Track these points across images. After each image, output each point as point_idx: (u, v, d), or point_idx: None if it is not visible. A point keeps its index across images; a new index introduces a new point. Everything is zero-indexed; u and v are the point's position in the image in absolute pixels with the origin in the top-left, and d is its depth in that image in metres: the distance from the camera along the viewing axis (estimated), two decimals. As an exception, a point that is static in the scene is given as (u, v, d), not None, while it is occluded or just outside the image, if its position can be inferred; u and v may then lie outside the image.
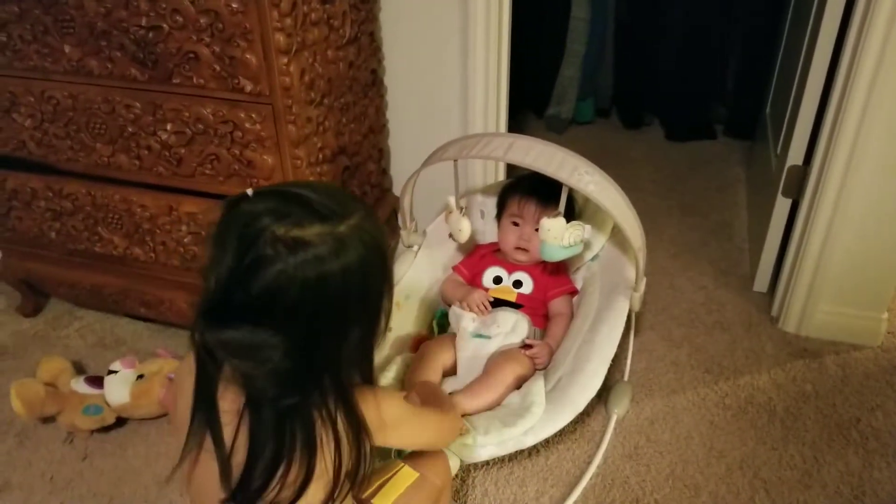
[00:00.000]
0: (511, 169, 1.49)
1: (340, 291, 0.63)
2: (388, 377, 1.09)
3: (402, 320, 1.22)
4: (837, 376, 1.32)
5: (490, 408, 1.05)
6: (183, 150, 1.16)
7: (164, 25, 1.04)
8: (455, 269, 1.31)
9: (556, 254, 1.08)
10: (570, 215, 1.14)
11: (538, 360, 1.13)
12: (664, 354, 1.37)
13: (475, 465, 1.13)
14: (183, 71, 1.07)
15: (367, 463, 0.69)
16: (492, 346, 1.14)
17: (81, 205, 1.29)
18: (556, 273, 1.26)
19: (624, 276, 1.18)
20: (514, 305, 1.21)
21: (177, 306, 1.34)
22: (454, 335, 1.18)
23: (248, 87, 1.06)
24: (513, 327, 1.16)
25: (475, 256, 1.32)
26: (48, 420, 1.21)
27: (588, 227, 1.09)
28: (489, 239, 1.37)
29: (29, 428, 1.22)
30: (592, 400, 1.00)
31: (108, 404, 1.17)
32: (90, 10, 1.07)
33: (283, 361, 0.61)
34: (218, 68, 1.05)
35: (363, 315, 0.67)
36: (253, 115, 1.08)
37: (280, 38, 1.01)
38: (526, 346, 1.15)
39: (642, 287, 1.14)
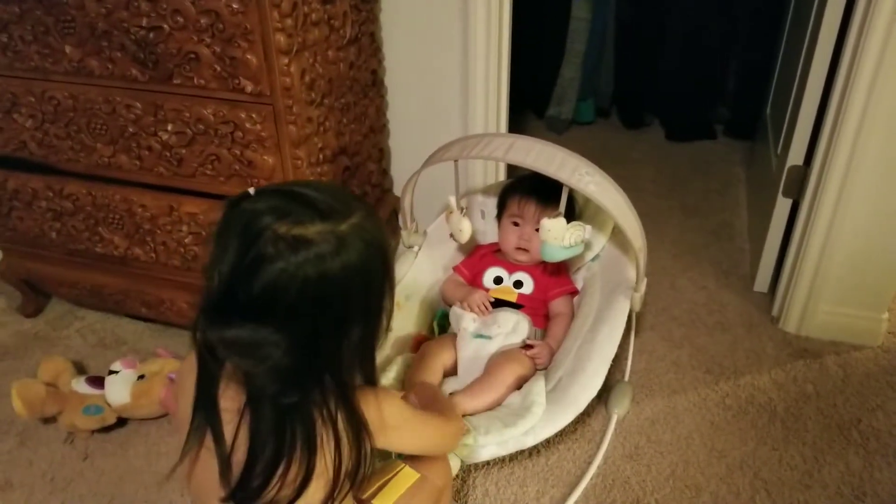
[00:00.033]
0: (511, 169, 1.49)
1: (341, 290, 0.63)
2: (388, 377, 1.09)
3: (403, 320, 1.22)
4: (838, 376, 1.32)
5: (490, 408, 1.05)
6: (183, 151, 1.16)
7: (165, 26, 1.04)
8: (455, 269, 1.31)
9: (556, 254, 1.08)
10: (571, 216, 1.14)
11: (539, 360, 1.13)
12: (665, 355, 1.37)
13: (476, 466, 1.13)
14: (184, 71, 1.07)
15: (367, 463, 0.69)
16: (492, 347, 1.14)
17: (82, 205, 1.29)
18: (557, 273, 1.26)
19: (624, 276, 1.18)
20: (515, 306, 1.21)
21: (177, 306, 1.34)
22: (455, 335, 1.18)
23: (249, 88, 1.06)
24: (513, 327, 1.16)
25: (475, 257, 1.32)
26: (49, 420, 1.21)
27: (588, 227, 1.09)
28: (490, 239, 1.37)
29: (30, 428, 1.23)
30: (593, 400, 1.00)
31: (108, 404, 1.17)
32: (91, 11, 1.07)
33: (283, 359, 0.62)
34: (218, 69, 1.05)
35: (364, 314, 0.67)
36: (253, 116, 1.09)
37: (281, 38, 1.02)
38: (526, 347, 1.15)
39: (643, 287, 1.14)
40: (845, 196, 1.26)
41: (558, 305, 1.24)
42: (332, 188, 0.69)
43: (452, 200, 1.20)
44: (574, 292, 1.27)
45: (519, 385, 1.09)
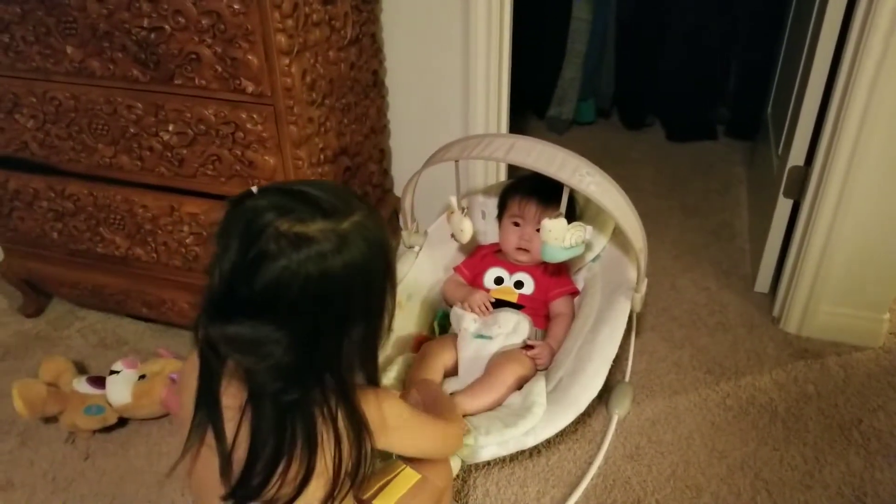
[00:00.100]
0: (512, 170, 1.49)
1: (343, 288, 0.63)
2: (389, 377, 1.09)
3: (404, 320, 1.22)
4: (839, 377, 1.32)
5: (491, 408, 1.05)
6: (185, 151, 1.16)
7: (166, 26, 1.04)
8: (456, 269, 1.31)
9: (557, 255, 1.08)
10: (572, 216, 1.14)
11: (539, 360, 1.14)
12: (665, 355, 1.37)
13: (476, 466, 1.13)
14: (185, 72, 1.07)
15: (367, 462, 0.69)
16: (493, 347, 1.14)
17: (83, 205, 1.29)
18: (558, 274, 1.26)
19: (625, 276, 1.18)
20: (516, 306, 1.21)
21: (178, 306, 1.34)
22: (455, 335, 1.18)
23: (250, 88, 1.06)
24: (514, 328, 1.16)
25: (476, 257, 1.32)
26: (50, 420, 1.21)
27: (589, 228, 1.09)
28: (490, 239, 1.37)
29: (31, 428, 1.23)
30: (593, 400, 1.00)
31: (109, 404, 1.18)
32: (92, 12, 1.07)
33: (284, 357, 0.62)
34: (220, 69, 1.05)
35: (366, 313, 0.67)
36: (254, 116, 1.09)
37: (281, 39, 1.02)
38: (527, 347, 1.15)
39: (643, 288, 1.14)
40: (846, 196, 1.26)
41: (559, 306, 1.24)
42: (335, 187, 0.69)
43: (453, 201, 1.20)
44: (575, 293, 1.27)
45: (519, 385, 1.09)
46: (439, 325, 1.30)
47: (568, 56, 2.24)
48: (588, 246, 1.22)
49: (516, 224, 1.25)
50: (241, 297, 0.61)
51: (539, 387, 1.04)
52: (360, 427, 0.68)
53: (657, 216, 1.85)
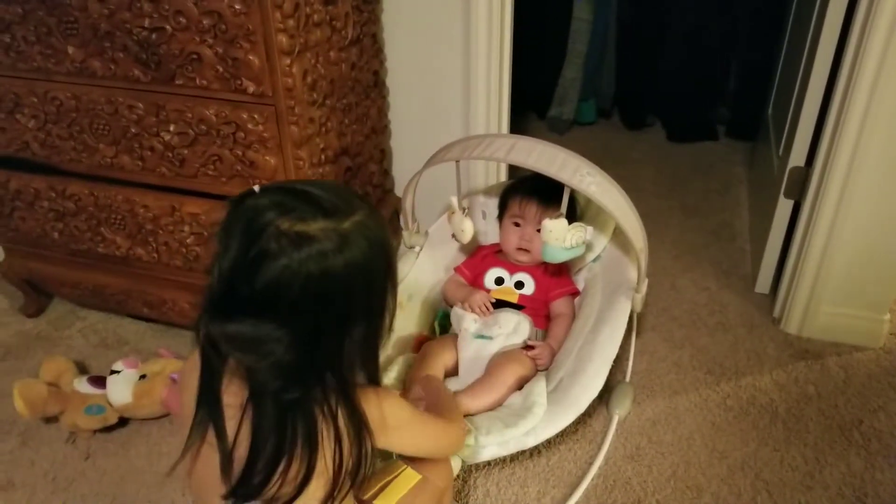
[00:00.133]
0: (513, 170, 1.49)
1: (344, 287, 0.63)
2: (389, 377, 1.09)
3: (405, 321, 1.22)
4: (839, 378, 1.32)
5: (491, 408, 1.05)
6: (186, 151, 1.16)
7: (168, 27, 1.04)
8: (457, 269, 1.31)
9: (557, 255, 1.08)
10: (572, 216, 1.14)
11: (540, 360, 1.14)
12: (666, 355, 1.37)
13: (477, 466, 1.13)
14: (186, 72, 1.08)
15: (367, 462, 0.70)
16: (493, 347, 1.14)
17: (84, 205, 1.29)
18: (558, 274, 1.26)
19: (626, 277, 1.18)
20: (516, 306, 1.21)
21: (179, 307, 1.34)
22: (456, 336, 1.18)
23: (251, 88, 1.06)
24: (514, 328, 1.16)
25: (477, 257, 1.32)
26: (51, 420, 1.22)
27: (590, 228, 1.09)
28: (491, 240, 1.37)
29: (31, 428, 1.23)
30: (594, 401, 1.00)
31: (110, 404, 1.18)
32: (94, 12, 1.07)
33: (285, 355, 0.62)
34: (221, 69, 1.05)
35: (367, 312, 0.68)
36: (255, 116, 1.09)
37: (283, 39, 1.02)
38: (528, 347, 1.15)
39: (644, 288, 1.14)
40: (847, 197, 1.26)
41: (559, 306, 1.24)
42: (336, 187, 0.69)
43: (454, 201, 1.20)
44: (575, 293, 1.27)
45: (520, 385, 1.09)
46: (440, 325, 1.30)
47: (569, 56, 2.24)
48: (589, 246, 1.22)
49: (517, 224, 1.25)
50: (242, 296, 0.61)
51: (539, 387, 1.04)
52: (360, 426, 0.68)
53: (658, 216, 1.85)
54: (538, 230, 1.13)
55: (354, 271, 0.63)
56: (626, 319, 1.10)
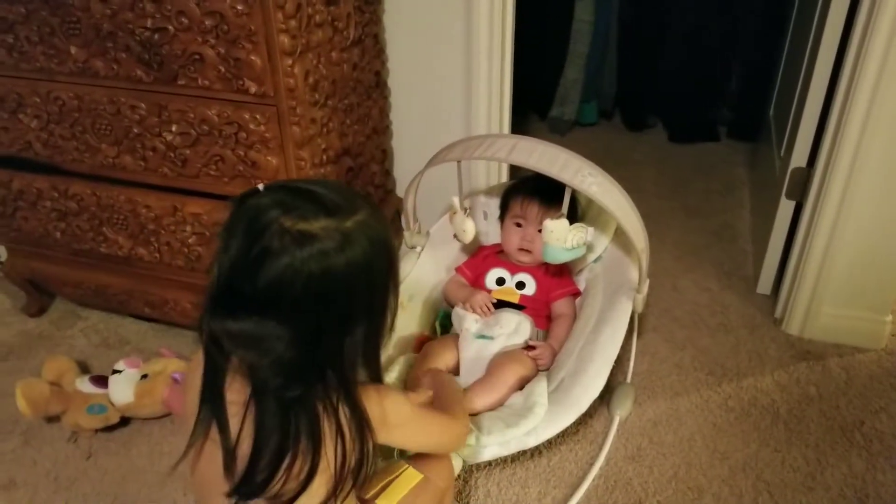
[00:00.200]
0: (514, 170, 1.49)
1: (345, 286, 0.64)
2: (390, 377, 1.09)
3: (406, 320, 1.22)
4: (841, 379, 1.31)
5: (493, 408, 1.05)
6: (188, 151, 1.16)
7: (170, 27, 1.05)
8: (458, 270, 1.31)
9: (558, 256, 1.08)
10: (574, 217, 1.14)
11: (541, 360, 1.14)
12: (667, 356, 1.37)
13: (478, 466, 1.13)
14: (188, 72, 1.08)
15: (369, 460, 0.70)
16: (494, 347, 1.14)
17: (86, 205, 1.30)
18: (559, 274, 1.26)
19: (627, 277, 1.18)
20: (517, 307, 1.21)
21: (181, 306, 1.35)
22: (457, 336, 1.18)
23: (253, 89, 1.06)
24: (515, 328, 1.16)
25: (478, 257, 1.32)
26: (53, 419, 1.22)
27: (591, 229, 1.09)
28: (492, 240, 1.37)
29: (34, 427, 1.23)
30: (595, 401, 1.00)
31: (112, 404, 1.18)
32: (96, 12, 1.07)
33: (286, 353, 0.62)
34: (223, 70, 1.06)
35: (368, 311, 0.68)
36: (257, 117, 1.09)
37: (284, 39, 1.02)
38: (529, 348, 1.15)
39: (645, 289, 1.14)
40: (848, 198, 1.26)
41: (560, 307, 1.24)
42: (339, 186, 0.70)
43: (456, 201, 1.21)
44: (576, 293, 1.27)
45: (521, 385, 1.09)
46: (441, 325, 1.30)
47: (570, 57, 2.24)
48: (590, 247, 1.22)
49: (518, 225, 1.25)
50: (245, 294, 0.61)
51: (541, 387, 1.04)
52: (361, 423, 0.68)
53: (659, 217, 1.85)
54: (539, 231, 1.13)
55: (356, 270, 0.64)
56: (628, 320, 1.10)
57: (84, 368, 1.33)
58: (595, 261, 1.30)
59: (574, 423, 0.99)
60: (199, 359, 0.68)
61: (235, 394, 0.66)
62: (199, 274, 1.28)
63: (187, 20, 1.03)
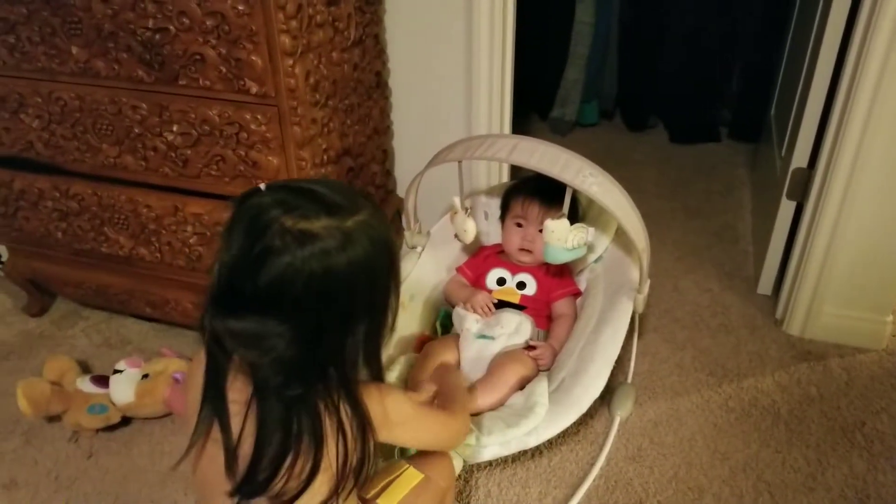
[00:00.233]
0: (515, 170, 1.49)
1: (346, 286, 0.64)
2: (391, 377, 1.09)
3: (407, 320, 1.22)
4: (842, 379, 1.31)
5: (493, 408, 1.05)
6: (189, 151, 1.16)
7: (171, 27, 1.05)
8: (459, 270, 1.31)
9: (559, 256, 1.08)
10: (574, 217, 1.14)
11: (541, 361, 1.14)
12: (668, 356, 1.37)
13: (478, 466, 1.13)
14: (189, 72, 1.08)
15: (371, 459, 0.70)
16: (495, 347, 1.14)
17: (88, 205, 1.30)
18: (560, 275, 1.26)
19: (628, 277, 1.18)
20: (518, 307, 1.21)
21: (182, 306, 1.35)
22: (457, 336, 1.18)
23: (254, 89, 1.06)
24: (516, 328, 1.16)
25: (479, 258, 1.32)
26: (54, 419, 1.22)
27: (592, 229, 1.09)
28: (493, 240, 1.37)
29: (35, 427, 1.23)
30: (596, 401, 1.00)
31: (113, 403, 1.18)
32: (97, 12, 1.08)
33: (287, 351, 0.62)
34: (224, 70, 1.06)
35: (369, 310, 0.68)
36: (258, 117, 1.09)
37: (285, 40, 1.02)
38: (529, 348, 1.15)
39: (646, 289, 1.14)
40: (850, 198, 1.26)
41: (561, 307, 1.24)
42: (340, 186, 0.70)
43: (457, 201, 1.21)
44: (577, 294, 1.28)
45: (522, 385, 1.09)
46: (441, 325, 1.30)
47: (571, 58, 2.24)
48: (590, 247, 1.22)
49: (519, 225, 1.25)
50: (246, 292, 0.61)
51: (541, 387, 1.04)
52: (362, 422, 0.68)
53: (660, 218, 1.85)
54: (540, 231, 1.13)
55: (357, 269, 0.64)
56: (628, 320, 1.10)
57: (85, 368, 1.33)
58: (596, 261, 1.30)
59: (575, 423, 0.99)
60: (200, 358, 0.68)
61: (237, 393, 0.66)
62: (200, 274, 1.28)
63: (188, 20, 1.03)
